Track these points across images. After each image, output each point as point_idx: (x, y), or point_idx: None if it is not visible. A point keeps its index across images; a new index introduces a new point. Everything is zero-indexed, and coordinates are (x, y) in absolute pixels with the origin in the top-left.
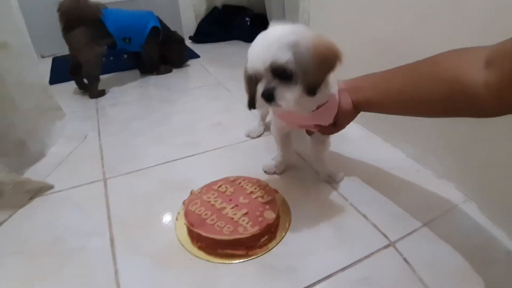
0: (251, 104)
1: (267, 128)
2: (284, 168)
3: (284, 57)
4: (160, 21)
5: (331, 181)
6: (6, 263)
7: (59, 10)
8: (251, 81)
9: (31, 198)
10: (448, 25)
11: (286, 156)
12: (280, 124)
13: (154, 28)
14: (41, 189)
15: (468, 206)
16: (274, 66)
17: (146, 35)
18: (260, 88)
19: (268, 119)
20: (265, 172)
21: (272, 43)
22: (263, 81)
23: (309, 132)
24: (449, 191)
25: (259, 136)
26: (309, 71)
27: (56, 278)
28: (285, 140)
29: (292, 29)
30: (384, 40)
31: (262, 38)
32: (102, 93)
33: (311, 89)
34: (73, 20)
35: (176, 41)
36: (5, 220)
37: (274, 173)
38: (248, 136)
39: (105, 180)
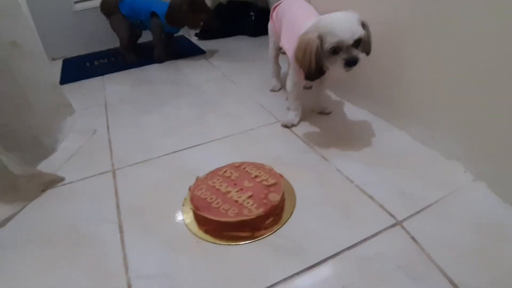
0: (316, 75)
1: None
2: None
3: (362, 32)
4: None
5: (325, 111)
6: (22, 251)
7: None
8: (326, 52)
9: (44, 190)
10: (457, 8)
11: (300, 109)
12: (298, 79)
13: (154, 14)
14: (53, 182)
15: (477, 185)
16: (357, 39)
17: (148, 19)
18: (343, 56)
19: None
20: (285, 126)
21: (354, 22)
22: (345, 50)
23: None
24: (458, 171)
25: (279, 90)
26: (369, 41)
27: (70, 264)
28: (299, 94)
29: (354, 12)
30: (386, 24)
31: (343, 20)
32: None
33: (368, 53)
34: (106, 11)
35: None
36: (19, 211)
37: (292, 125)
38: (272, 90)
39: (113, 171)
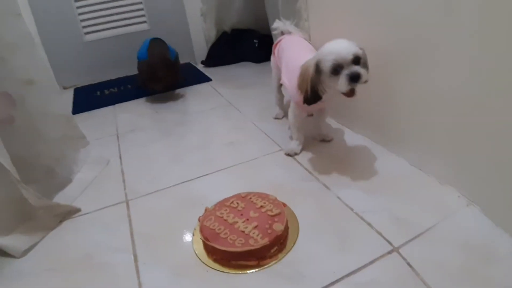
0: (313, 99)
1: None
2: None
3: (360, 51)
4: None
5: (326, 139)
6: (41, 278)
7: None
8: (327, 74)
9: (61, 221)
10: (442, 37)
11: (302, 138)
12: (299, 112)
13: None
14: (70, 212)
15: (471, 210)
16: (356, 56)
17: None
18: (346, 73)
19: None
20: (288, 154)
21: (350, 43)
22: (347, 68)
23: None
24: (452, 196)
25: (283, 117)
26: (367, 64)
27: None
28: (301, 125)
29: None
30: (380, 51)
31: (339, 42)
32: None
33: (367, 70)
34: None
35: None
36: (38, 242)
37: (295, 154)
38: (275, 118)
39: (127, 202)
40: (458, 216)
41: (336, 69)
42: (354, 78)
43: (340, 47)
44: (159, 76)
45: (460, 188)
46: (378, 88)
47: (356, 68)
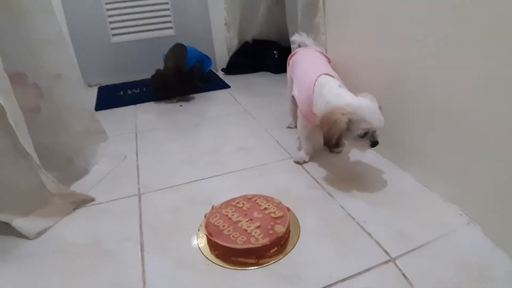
0: (335, 146)
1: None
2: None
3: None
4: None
5: (335, 150)
6: (52, 260)
7: None
8: (354, 134)
9: (75, 209)
10: (452, 58)
11: (310, 148)
12: (306, 123)
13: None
14: (84, 201)
15: (471, 228)
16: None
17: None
18: (370, 139)
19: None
20: (297, 162)
21: (379, 110)
22: (373, 134)
23: None
24: (454, 214)
25: (295, 127)
26: None
27: (93, 274)
28: (309, 135)
29: (374, 99)
30: (395, 69)
31: (373, 108)
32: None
33: None
34: None
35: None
36: (52, 226)
37: (304, 162)
38: (288, 127)
39: (139, 195)
40: (457, 233)
41: (365, 134)
42: (375, 145)
43: (375, 118)
44: (170, 85)
45: (462, 207)
46: (390, 104)
47: (377, 136)
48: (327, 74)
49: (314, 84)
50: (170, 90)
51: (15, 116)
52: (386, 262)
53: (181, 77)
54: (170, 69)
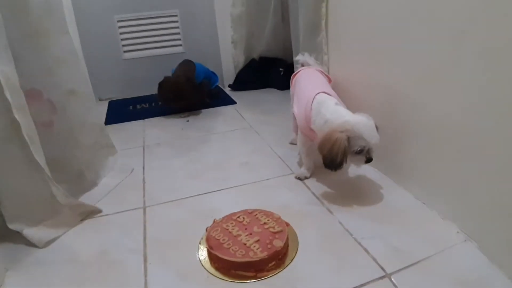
0: (338, 167)
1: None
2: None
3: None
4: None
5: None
6: (60, 268)
7: None
8: (351, 151)
9: (83, 220)
10: (450, 76)
11: (311, 163)
12: (305, 140)
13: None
14: (92, 212)
15: (468, 245)
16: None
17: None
18: (366, 155)
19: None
20: (299, 178)
21: (375, 128)
22: (369, 150)
23: None
24: (451, 231)
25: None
26: None
27: (98, 283)
28: (308, 151)
29: (370, 117)
30: (394, 89)
31: (369, 125)
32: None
33: None
34: None
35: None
36: (60, 235)
37: (305, 178)
38: (291, 143)
39: (144, 208)
40: (454, 250)
41: (361, 150)
42: (369, 161)
43: (371, 135)
44: (183, 93)
45: (460, 225)
46: (389, 123)
47: (372, 153)
48: (325, 92)
49: (312, 102)
50: (182, 98)
51: (29, 131)
52: (381, 277)
53: (193, 84)
54: (181, 77)
